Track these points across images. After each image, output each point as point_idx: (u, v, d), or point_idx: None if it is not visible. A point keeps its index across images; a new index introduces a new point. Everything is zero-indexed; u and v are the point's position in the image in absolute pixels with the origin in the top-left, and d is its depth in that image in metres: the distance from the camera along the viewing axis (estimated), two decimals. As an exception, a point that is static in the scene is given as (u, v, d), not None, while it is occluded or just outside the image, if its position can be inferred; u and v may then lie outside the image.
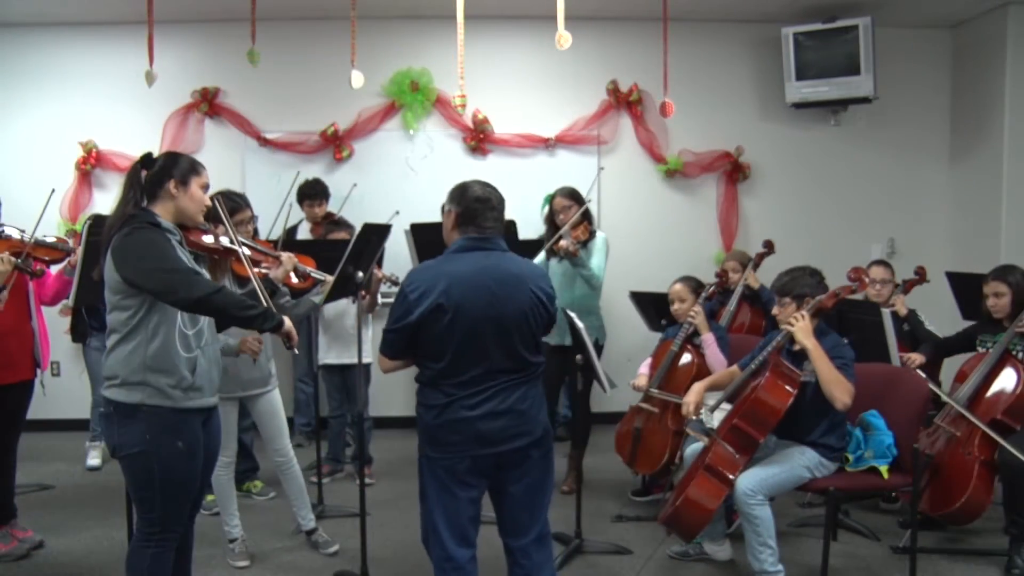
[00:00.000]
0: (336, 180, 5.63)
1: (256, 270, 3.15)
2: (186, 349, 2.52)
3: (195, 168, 2.63)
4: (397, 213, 5.02)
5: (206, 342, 2.60)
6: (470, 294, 2.42)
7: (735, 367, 3.56)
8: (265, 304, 2.71)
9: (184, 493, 2.56)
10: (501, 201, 2.59)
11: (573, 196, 4.42)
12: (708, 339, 4.03)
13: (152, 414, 2.46)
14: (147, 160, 2.60)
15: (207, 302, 2.41)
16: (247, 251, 3.04)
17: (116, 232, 2.48)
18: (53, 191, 3.67)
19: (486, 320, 2.43)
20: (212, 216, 2.95)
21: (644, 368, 4.31)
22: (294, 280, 3.40)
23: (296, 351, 2.75)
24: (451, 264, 2.49)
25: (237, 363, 3.42)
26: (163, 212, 2.58)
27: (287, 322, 2.59)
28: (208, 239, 2.84)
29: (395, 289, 4.68)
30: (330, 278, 3.40)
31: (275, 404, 3.63)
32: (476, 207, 2.52)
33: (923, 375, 3.69)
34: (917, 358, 4.00)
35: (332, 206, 5.40)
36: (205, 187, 2.67)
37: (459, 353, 2.44)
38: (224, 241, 3.00)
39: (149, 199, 2.58)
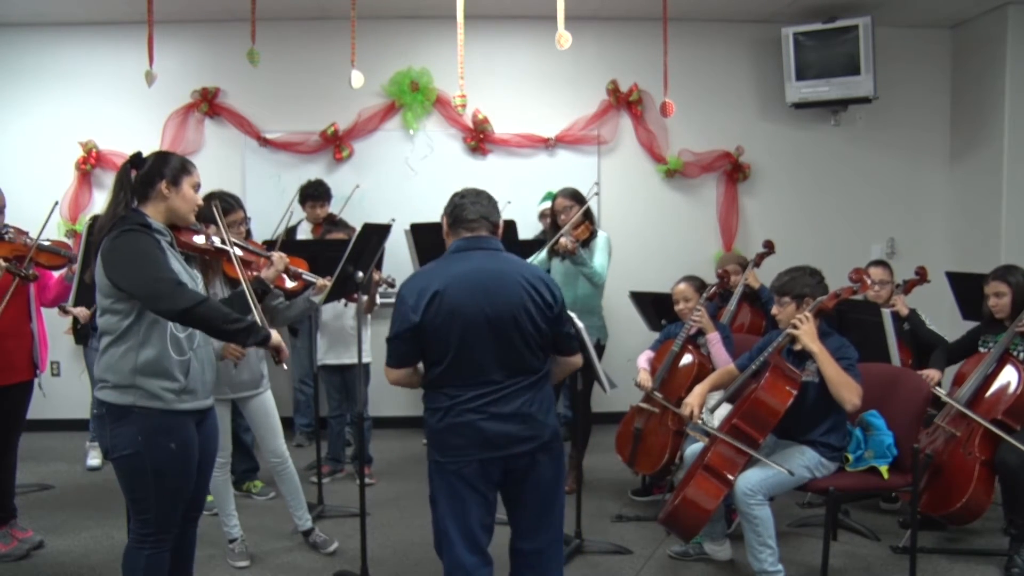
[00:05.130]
0: (336, 180, 5.63)
1: (249, 272, 3.12)
2: (178, 352, 2.48)
3: (186, 167, 2.59)
4: (393, 220, 5.01)
5: (198, 344, 2.57)
6: (466, 294, 2.41)
7: (735, 367, 3.56)
8: (254, 311, 2.65)
9: (178, 495, 2.53)
10: (487, 197, 2.58)
11: (574, 197, 4.41)
12: (714, 338, 4.02)
13: (144, 416, 2.43)
14: (137, 160, 2.56)
15: (191, 313, 2.33)
16: (238, 251, 3.00)
17: (106, 235, 2.44)
18: (56, 203, 3.68)
19: (483, 320, 2.40)
20: (205, 216, 2.93)
21: (643, 362, 4.22)
22: (288, 284, 3.37)
23: (285, 367, 2.62)
24: (447, 265, 2.50)
25: (227, 364, 3.39)
26: (154, 212, 2.53)
27: (275, 336, 2.50)
28: (199, 239, 2.82)
29: (393, 291, 4.72)
30: (321, 280, 3.37)
31: (267, 405, 3.61)
32: (460, 203, 2.53)
33: (942, 392, 3.63)
34: (934, 375, 3.87)
35: (332, 206, 5.39)
36: (196, 187, 2.62)
37: (458, 354, 2.42)
38: (215, 241, 2.97)
39: (140, 199, 2.53)
